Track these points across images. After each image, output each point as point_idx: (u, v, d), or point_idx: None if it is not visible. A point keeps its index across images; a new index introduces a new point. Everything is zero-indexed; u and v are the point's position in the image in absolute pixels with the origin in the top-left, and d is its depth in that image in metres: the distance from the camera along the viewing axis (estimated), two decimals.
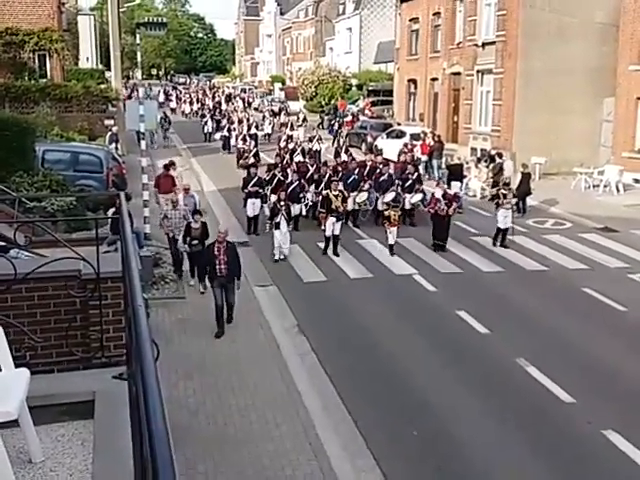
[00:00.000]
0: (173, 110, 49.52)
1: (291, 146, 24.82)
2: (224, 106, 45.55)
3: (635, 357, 10.39)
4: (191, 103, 50.21)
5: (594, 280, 13.92)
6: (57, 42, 28.20)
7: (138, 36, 21.30)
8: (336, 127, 35.74)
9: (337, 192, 15.86)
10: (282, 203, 15.18)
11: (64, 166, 18.14)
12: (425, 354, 10.70)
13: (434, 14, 33.84)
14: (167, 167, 17.74)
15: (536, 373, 9.77)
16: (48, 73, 29.12)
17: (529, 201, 19.89)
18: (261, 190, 17.45)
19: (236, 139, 29.59)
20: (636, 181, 23.31)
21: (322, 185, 17.48)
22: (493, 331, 11.34)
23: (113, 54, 28.51)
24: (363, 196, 17.81)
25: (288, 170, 18.74)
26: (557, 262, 15.30)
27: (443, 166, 24.16)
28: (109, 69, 35.75)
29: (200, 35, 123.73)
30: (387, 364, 10.23)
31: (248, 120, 32.94)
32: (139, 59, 21.31)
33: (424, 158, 24.94)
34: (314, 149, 26.07)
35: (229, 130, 31.57)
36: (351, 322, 11.89)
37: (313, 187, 18.20)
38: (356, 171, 18.76)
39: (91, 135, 26.01)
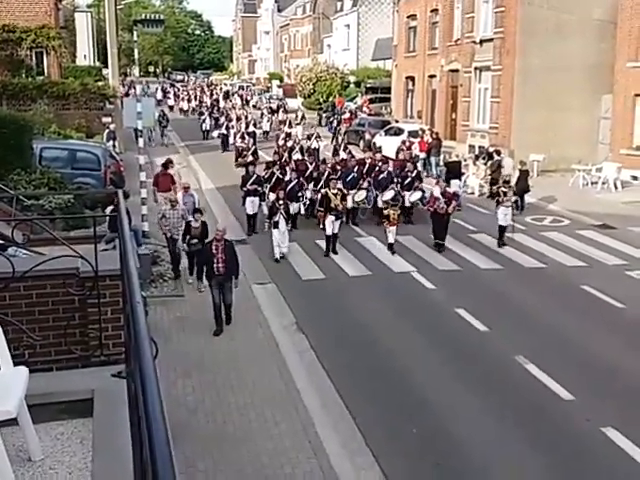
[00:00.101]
0: (171, 108, 49.45)
1: (290, 144, 24.79)
2: (222, 103, 45.49)
3: (633, 354, 10.40)
4: (189, 100, 50.13)
5: (592, 277, 13.94)
6: (54, 39, 28.15)
7: (135, 33, 21.33)
8: (335, 124, 35.71)
9: (336, 190, 15.82)
10: (280, 202, 15.09)
11: (62, 164, 18.11)
12: (424, 351, 10.70)
13: (432, 11, 33.81)
14: (165, 166, 17.70)
15: (535, 370, 9.78)
16: (45, 70, 29.08)
17: (527, 198, 19.90)
18: (260, 188, 17.39)
19: (234, 137, 29.55)
20: (634, 178, 23.32)
21: (321, 183, 17.46)
22: (492, 328, 11.34)
23: (110, 51, 28.42)
24: (362, 194, 17.78)
25: (287, 168, 18.71)
26: (555, 259, 15.31)
27: (441, 163, 24.16)
28: (106, 66, 35.70)
29: (197, 32, 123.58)
30: (386, 362, 10.23)
31: (246, 118, 32.89)
32: (136, 56, 21.37)
33: (422, 155, 24.92)
34: (313, 147, 26.04)
35: (227, 128, 31.53)
36: (350, 320, 11.89)
37: (312, 185, 18.17)
38: (355, 169, 18.71)
39: (89, 133, 25.99)
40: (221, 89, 61.42)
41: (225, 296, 11.16)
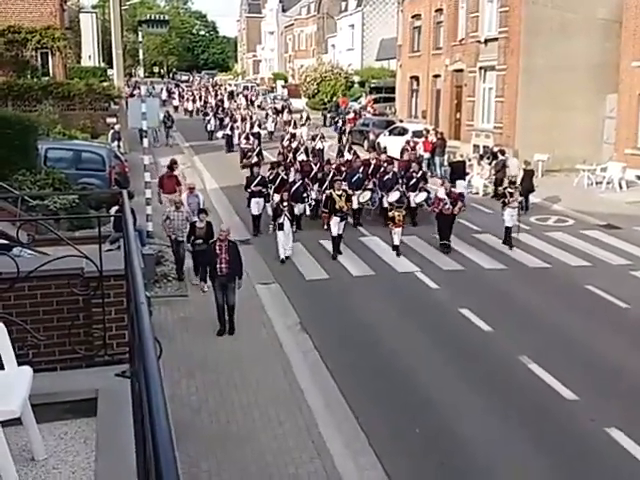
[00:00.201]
0: (176, 108, 49.47)
1: (294, 145, 24.80)
2: (227, 104, 45.49)
3: (638, 354, 10.38)
4: (194, 101, 50.17)
5: (597, 277, 13.90)
6: (59, 40, 28.22)
7: (140, 34, 21.35)
8: (340, 124, 35.71)
9: (340, 192, 15.78)
10: (285, 204, 15.04)
11: (66, 164, 18.15)
12: (427, 351, 10.70)
13: (436, 11, 33.79)
14: (171, 167, 17.70)
15: (539, 370, 9.77)
16: (50, 71, 29.15)
17: (532, 198, 19.86)
18: (264, 190, 17.39)
19: (239, 138, 29.55)
20: (639, 178, 23.23)
21: (326, 184, 17.43)
22: (496, 328, 11.33)
23: (115, 52, 28.50)
24: (366, 195, 17.75)
25: (291, 169, 18.69)
26: (560, 259, 15.28)
27: (445, 163, 24.13)
28: (111, 67, 35.78)
29: (202, 33, 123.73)
30: (389, 361, 10.23)
31: (251, 118, 32.88)
32: (141, 57, 21.43)
33: (426, 155, 24.92)
34: (317, 147, 26.03)
35: (232, 128, 31.53)
36: (353, 319, 11.90)
37: (317, 186, 18.15)
38: (360, 169, 18.69)
39: (93, 133, 26.05)
40: (225, 89, 61.44)
41: (228, 297, 11.14)
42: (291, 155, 22.11)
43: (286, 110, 41.02)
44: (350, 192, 16.59)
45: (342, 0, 59.85)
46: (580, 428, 8.42)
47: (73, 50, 32.97)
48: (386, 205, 17.03)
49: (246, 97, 53.96)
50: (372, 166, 19.18)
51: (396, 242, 15.49)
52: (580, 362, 10.13)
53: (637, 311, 12.16)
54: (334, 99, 47.47)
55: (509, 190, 16.26)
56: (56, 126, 23.32)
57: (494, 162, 22.37)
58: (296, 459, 7.69)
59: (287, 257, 15.10)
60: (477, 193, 21.98)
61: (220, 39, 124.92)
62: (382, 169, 18.60)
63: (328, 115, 41.60)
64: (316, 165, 19.64)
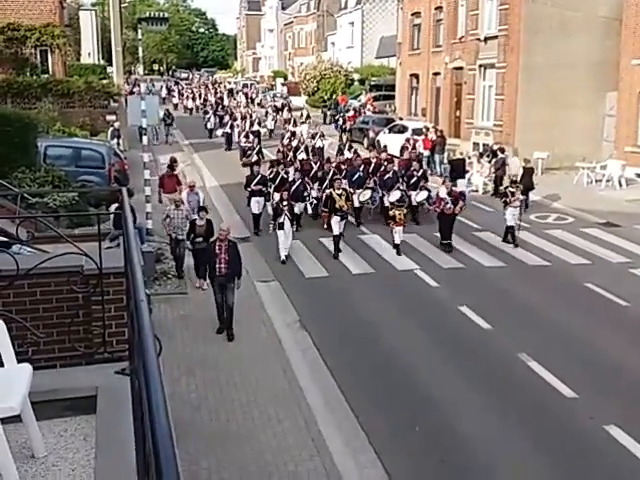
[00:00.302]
0: (175, 106, 49.43)
1: (294, 143, 24.78)
2: (226, 102, 45.44)
3: (637, 352, 10.39)
4: (193, 99, 50.11)
5: (596, 275, 13.91)
6: (59, 37, 28.18)
7: (140, 31, 21.28)
8: (340, 122, 35.67)
9: (340, 191, 15.75)
10: (285, 203, 14.98)
11: (66, 162, 18.15)
12: (427, 349, 10.70)
13: (436, 8, 33.73)
14: (172, 167, 17.67)
15: (538, 368, 9.78)
16: (50, 69, 29.11)
17: (531, 196, 19.85)
18: (264, 188, 17.35)
19: (238, 135, 29.53)
20: (638, 176, 23.25)
21: (326, 183, 17.39)
22: (495, 326, 11.34)
23: (115, 49, 28.50)
24: (366, 194, 17.72)
25: (290, 168, 18.66)
26: (559, 257, 15.28)
27: (445, 161, 24.12)
28: (111, 64, 35.78)
29: (202, 30, 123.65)
30: (389, 359, 10.24)
31: (251, 116, 32.85)
32: (141, 54, 21.35)
33: (426, 153, 24.90)
34: (317, 146, 26.00)
35: (231, 126, 31.50)
36: (353, 317, 11.90)
37: (317, 184, 18.12)
38: (361, 168, 18.65)
39: (93, 131, 26.03)
40: (225, 87, 61.38)
41: (227, 297, 11.08)
42: (291, 154, 22.07)
43: (286, 108, 40.96)
44: (350, 191, 16.57)
45: None
46: (579, 426, 8.43)
47: (72, 47, 32.89)
48: (387, 204, 17.02)
49: (246, 95, 53.91)
50: (373, 165, 19.14)
51: (397, 241, 15.47)
52: (579, 360, 10.14)
53: (636, 309, 12.18)
54: (334, 97, 47.42)
55: (510, 189, 16.24)
56: (56, 124, 23.31)
57: (494, 160, 22.36)
58: (296, 457, 7.70)
59: (287, 257, 15.06)
60: (477, 191, 21.97)
61: (220, 37, 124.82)
62: (383, 168, 18.55)
63: (328, 113, 41.58)
64: (316, 164, 19.57)
